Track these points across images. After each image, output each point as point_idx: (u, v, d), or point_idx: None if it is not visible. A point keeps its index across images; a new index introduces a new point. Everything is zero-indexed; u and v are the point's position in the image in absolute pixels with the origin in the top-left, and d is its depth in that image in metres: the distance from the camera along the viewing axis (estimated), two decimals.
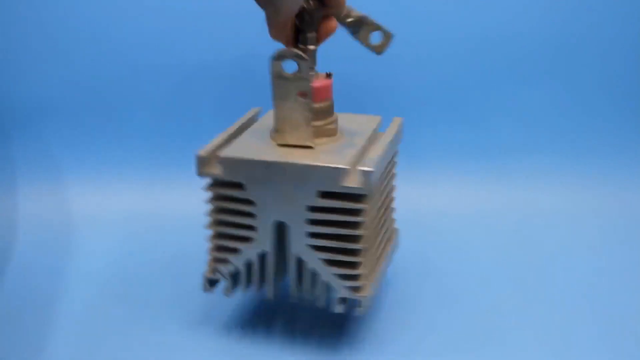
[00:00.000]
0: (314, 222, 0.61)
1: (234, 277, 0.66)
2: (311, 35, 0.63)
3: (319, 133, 0.63)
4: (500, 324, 0.70)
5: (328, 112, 0.64)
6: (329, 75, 0.65)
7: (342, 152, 0.61)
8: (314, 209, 0.60)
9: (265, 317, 0.71)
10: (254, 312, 0.72)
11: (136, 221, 0.86)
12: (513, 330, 0.69)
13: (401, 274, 0.77)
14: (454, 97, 0.96)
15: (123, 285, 0.76)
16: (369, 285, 0.63)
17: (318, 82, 0.63)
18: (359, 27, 0.65)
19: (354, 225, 0.60)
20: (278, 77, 0.60)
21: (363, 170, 0.58)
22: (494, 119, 0.96)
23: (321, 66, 0.65)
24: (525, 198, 0.92)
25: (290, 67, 0.60)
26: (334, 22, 0.63)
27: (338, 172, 0.58)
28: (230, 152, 0.62)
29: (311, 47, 0.63)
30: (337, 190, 0.58)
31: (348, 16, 0.65)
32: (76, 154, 0.92)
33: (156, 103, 0.93)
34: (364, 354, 0.66)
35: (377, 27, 0.65)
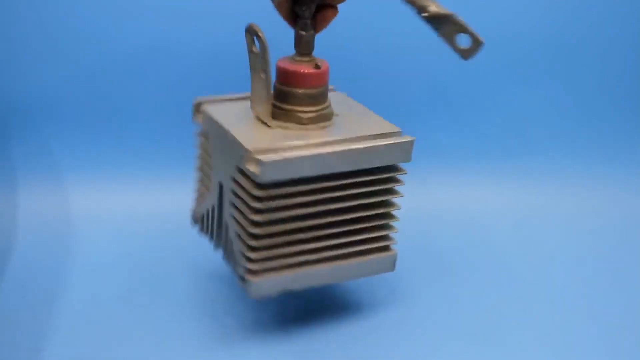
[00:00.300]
0: (234, 194, 0.63)
1: (202, 220, 0.71)
2: (304, 21, 0.63)
3: (287, 117, 0.64)
4: (500, 323, 0.70)
5: (302, 99, 0.64)
6: (317, 66, 0.64)
7: (277, 139, 0.62)
8: (234, 180, 0.62)
9: (261, 308, 0.71)
10: (254, 308, 0.72)
11: (136, 221, 0.86)
12: (513, 330, 0.70)
13: (400, 274, 0.77)
14: (453, 96, 0.96)
15: (123, 285, 0.76)
16: (267, 275, 0.63)
17: (291, 67, 0.64)
18: (439, 24, 0.59)
19: (251, 209, 0.61)
20: (250, 51, 0.62)
21: (258, 159, 0.58)
22: (493, 119, 0.96)
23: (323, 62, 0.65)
24: (525, 198, 0.92)
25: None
26: (330, 12, 0.62)
27: (243, 153, 0.60)
28: (209, 107, 0.67)
29: (302, 32, 0.63)
30: (243, 169, 0.60)
31: (424, 10, 0.59)
32: (76, 154, 0.92)
33: (157, 102, 0.93)
34: (357, 350, 0.67)
35: (464, 30, 0.58)
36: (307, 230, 0.64)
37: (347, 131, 0.64)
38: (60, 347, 0.66)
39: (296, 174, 0.60)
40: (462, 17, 0.58)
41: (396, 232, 0.68)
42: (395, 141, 0.63)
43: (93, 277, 0.76)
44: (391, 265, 0.69)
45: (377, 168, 0.64)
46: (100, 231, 0.84)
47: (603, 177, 0.94)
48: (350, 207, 0.65)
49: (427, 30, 0.93)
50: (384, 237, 0.68)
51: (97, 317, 0.70)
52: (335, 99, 0.70)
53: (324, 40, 0.65)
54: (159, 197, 0.90)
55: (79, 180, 0.90)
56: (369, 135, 0.64)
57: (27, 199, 0.88)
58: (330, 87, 0.70)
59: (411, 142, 0.63)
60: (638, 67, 0.97)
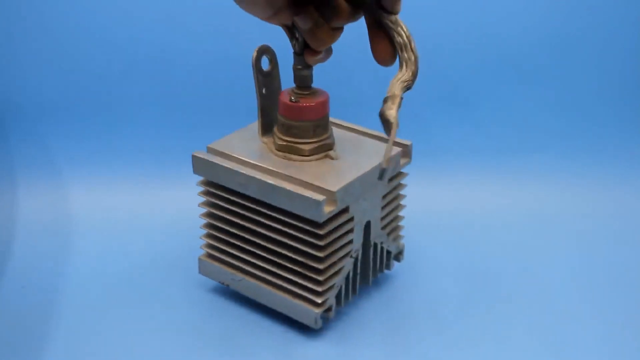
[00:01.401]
0: None
1: None
2: (295, 56, 0.64)
3: (272, 138, 0.68)
4: (500, 323, 0.71)
5: (278, 125, 0.67)
6: (291, 100, 0.65)
7: (241, 151, 0.67)
8: None
9: (263, 311, 0.71)
10: (256, 310, 0.72)
11: (136, 221, 0.86)
12: (513, 329, 0.70)
13: (400, 273, 0.78)
14: (452, 97, 0.96)
15: (122, 285, 0.76)
16: (213, 261, 0.73)
17: (282, 93, 0.66)
18: (382, 124, 0.53)
19: None
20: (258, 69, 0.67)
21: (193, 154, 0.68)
22: (493, 119, 0.96)
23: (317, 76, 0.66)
24: (525, 198, 0.92)
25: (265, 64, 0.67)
26: (310, 53, 0.61)
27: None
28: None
29: (294, 66, 0.65)
30: None
31: (383, 101, 0.54)
32: (76, 154, 0.92)
33: (157, 103, 0.93)
34: (351, 347, 0.67)
35: (387, 144, 0.51)
36: (242, 241, 0.69)
37: (292, 170, 0.65)
38: (60, 347, 0.66)
39: (218, 180, 0.67)
40: (394, 136, 0.52)
41: (323, 290, 0.65)
42: (301, 193, 0.61)
43: (93, 277, 0.76)
44: (312, 321, 0.66)
45: (297, 217, 0.63)
46: (100, 231, 0.84)
47: (602, 177, 0.94)
48: (273, 239, 0.67)
49: (427, 30, 0.93)
50: (308, 289, 0.66)
51: (96, 317, 0.70)
52: (372, 147, 0.69)
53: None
54: (158, 197, 0.90)
55: (79, 180, 0.90)
56: (293, 178, 0.64)
57: (27, 199, 0.88)
58: (404, 142, 0.70)
59: (318, 202, 0.60)
60: (638, 67, 0.97)
